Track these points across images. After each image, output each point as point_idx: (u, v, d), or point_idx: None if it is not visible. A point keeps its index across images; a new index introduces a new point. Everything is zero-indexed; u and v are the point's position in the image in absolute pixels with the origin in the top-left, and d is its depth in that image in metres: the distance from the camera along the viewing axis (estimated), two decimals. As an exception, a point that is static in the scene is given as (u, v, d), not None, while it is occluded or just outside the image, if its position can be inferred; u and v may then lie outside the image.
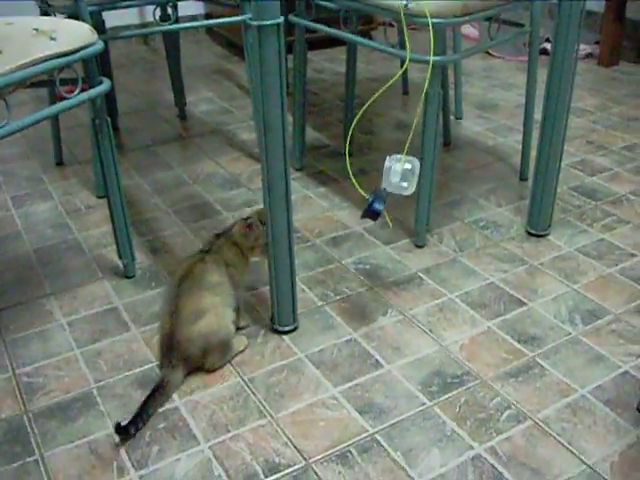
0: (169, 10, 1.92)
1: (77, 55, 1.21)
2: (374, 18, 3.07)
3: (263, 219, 1.28)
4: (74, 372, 1.27)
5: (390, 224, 1.39)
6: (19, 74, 1.11)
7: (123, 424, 1.10)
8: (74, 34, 1.23)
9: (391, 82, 1.37)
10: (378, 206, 1.22)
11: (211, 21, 2.11)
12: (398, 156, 1.23)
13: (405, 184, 1.22)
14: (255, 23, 1.05)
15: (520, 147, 1.99)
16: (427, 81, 1.38)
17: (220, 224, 1.68)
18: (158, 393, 1.17)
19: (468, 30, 3.09)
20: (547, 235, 1.64)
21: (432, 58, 1.36)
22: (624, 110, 2.34)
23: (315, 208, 1.78)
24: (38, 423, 1.17)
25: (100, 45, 1.27)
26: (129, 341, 1.34)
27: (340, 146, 2.11)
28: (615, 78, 2.64)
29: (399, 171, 1.21)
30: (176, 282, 1.25)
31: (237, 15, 2.09)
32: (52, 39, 1.19)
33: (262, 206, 1.27)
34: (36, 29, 1.21)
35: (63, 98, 1.23)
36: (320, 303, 1.43)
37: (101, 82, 1.31)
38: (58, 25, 1.24)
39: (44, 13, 1.83)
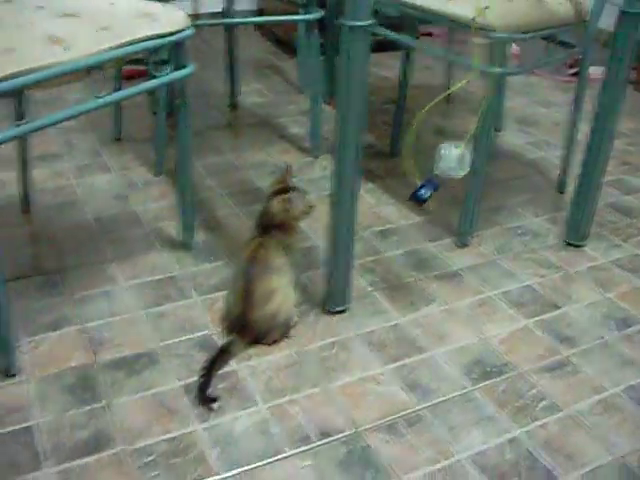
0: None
1: (174, 37, 1.30)
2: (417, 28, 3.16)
3: (288, 184, 1.37)
4: (139, 330, 1.37)
5: (431, 208, 1.47)
6: (125, 49, 1.21)
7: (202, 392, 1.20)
8: (172, 18, 1.32)
9: (454, 89, 1.46)
10: (425, 193, 1.34)
11: (286, 17, 2.23)
12: (451, 144, 1.35)
13: (458, 168, 1.33)
14: (349, 23, 1.14)
15: (557, 162, 2.08)
16: (489, 92, 1.47)
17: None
18: (222, 356, 1.27)
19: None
20: (583, 246, 1.72)
21: (496, 70, 1.45)
22: (660, 136, 2.43)
23: (363, 204, 1.87)
24: (106, 373, 1.26)
25: (192, 30, 1.36)
26: (190, 307, 1.44)
27: (385, 147, 2.20)
28: (652, 105, 2.72)
29: (454, 157, 1.32)
30: (243, 267, 1.33)
31: (289, 13, 2.22)
32: (153, 20, 1.28)
33: (281, 171, 1.40)
34: (138, 10, 1.30)
35: (131, 77, 1.30)
36: (370, 289, 1.52)
37: (186, 66, 1.40)
38: (157, 9, 1.33)
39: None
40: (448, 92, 1.43)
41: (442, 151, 1.37)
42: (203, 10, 2.69)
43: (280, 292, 1.32)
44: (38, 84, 1.13)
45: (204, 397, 1.20)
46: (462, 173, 1.37)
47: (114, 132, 2.17)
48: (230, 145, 2.18)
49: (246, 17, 1.96)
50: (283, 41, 3.18)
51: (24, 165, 1.69)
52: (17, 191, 1.74)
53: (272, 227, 1.37)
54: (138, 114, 2.33)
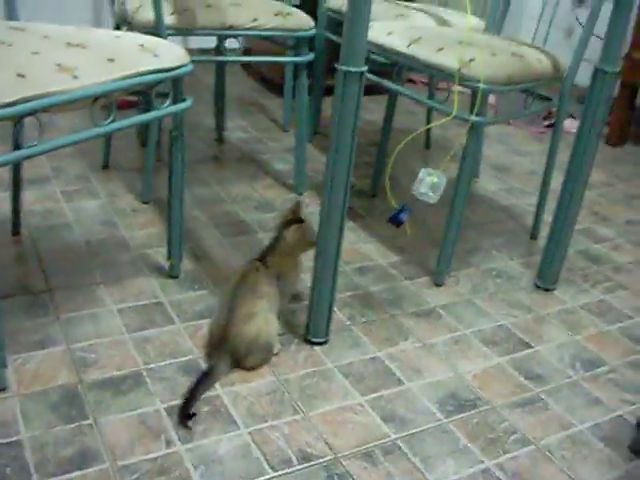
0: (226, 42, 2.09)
1: (175, 72, 1.37)
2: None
3: (300, 215, 1.47)
4: (124, 353, 1.40)
5: (408, 233, 1.62)
6: (129, 81, 1.27)
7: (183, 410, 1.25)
8: (172, 54, 1.39)
9: (429, 126, 1.54)
10: (403, 216, 1.50)
11: (280, 58, 2.38)
12: (430, 170, 1.49)
13: (431, 194, 1.48)
14: (344, 69, 1.22)
15: (531, 209, 2.18)
16: (469, 139, 1.55)
17: (257, 242, 1.83)
18: (205, 379, 1.30)
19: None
20: (553, 290, 1.80)
21: (477, 118, 1.54)
22: (627, 187, 2.55)
23: (344, 240, 1.93)
24: (92, 392, 1.29)
25: (191, 67, 1.43)
26: (174, 333, 1.47)
27: (367, 187, 2.27)
28: (621, 158, 2.85)
29: (428, 183, 1.44)
30: (232, 287, 1.39)
31: (277, 53, 2.33)
32: (155, 56, 1.35)
33: (293, 204, 1.49)
34: (142, 45, 1.37)
35: (121, 107, 1.34)
36: (348, 322, 1.57)
37: (185, 100, 1.46)
38: (160, 45, 1.40)
39: (117, 28, 2.00)
40: (425, 128, 1.61)
41: (420, 175, 1.52)
42: (192, 45, 2.77)
43: (262, 317, 1.37)
44: (46, 110, 1.19)
45: (183, 414, 1.23)
46: (434, 200, 1.54)
47: (103, 159, 2.21)
48: (216, 178, 2.23)
49: (233, 55, 2.04)
50: (268, 80, 3.27)
51: (17, 187, 1.73)
52: (6, 212, 1.77)
53: (280, 256, 1.45)
54: (126, 143, 2.38)
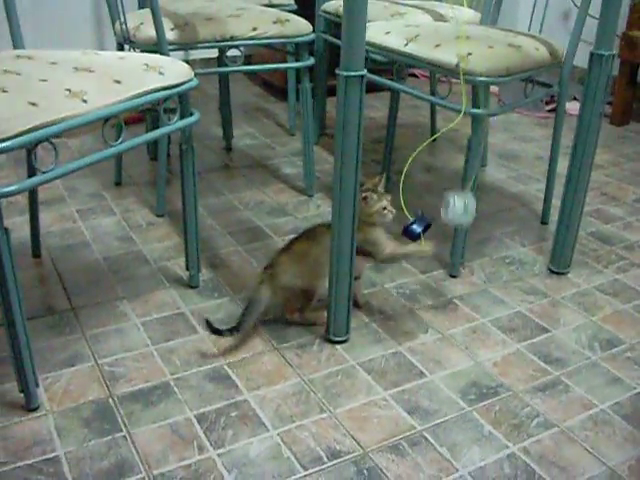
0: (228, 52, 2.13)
1: (180, 88, 1.40)
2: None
3: (376, 190, 1.52)
4: (151, 365, 1.43)
5: (423, 245, 1.53)
6: (137, 101, 1.30)
7: (218, 327, 1.44)
8: (177, 70, 1.43)
9: (443, 131, 1.56)
10: (417, 228, 1.44)
11: (282, 65, 2.48)
12: (457, 193, 1.44)
13: (464, 218, 1.43)
14: (344, 74, 1.25)
15: (540, 195, 2.20)
16: (475, 132, 1.58)
17: (272, 247, 1.86)
18: (252, 306, 1.47)
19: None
20: (567, 273, 1.82)
21: (481, 111, 1.57)
22: (634, 166, 2.56)
23: (357, 237, 1.96)
24: (123, 405, 1.32)
25: (196, 81, 1.46)
26: (198, 342, 1.51)
27: (374, 184, 2.29)
28: (626, 136, 2.87)
29: (460, 207, 1.42)
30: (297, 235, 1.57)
31: (278, 59, 2.37)
32: (161, 74, 1.38)
33: (374, 178, 1.55)
34: (146, 64, 1.40)
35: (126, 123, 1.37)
36: (367, 320, 1.60)
37: (192, 114, 1.50)
38: (163, 62, 1.43)
39: (120, 47, 2.04)
40: (439, 134, 1.55)
41: (450, 200, 1.46)
42: (194, 56, 2.81)
43: (314, 261, 1.49)
44: (58, 136, 1.22)
45: (234, 329, 1.44)
46: (469, 220, 1.48)
47: (115, 176, 2.26)
48: (228, 186, 2.27)
49: (235, 62, 2.07)
50: (271, 85, 3.30)
51: (34, 210, 1.77)
52: (25, 235, 1.82)
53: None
54: (136, 158, 2.42)
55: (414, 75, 3.48)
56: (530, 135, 2.85)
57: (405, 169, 1.50)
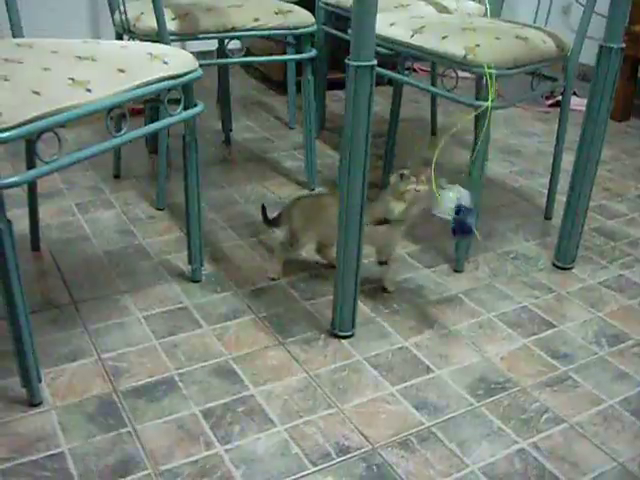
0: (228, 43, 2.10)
1: (184, 78, 1.38)
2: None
3: (416, 175, 1.54)
4: (155, 359, 1.41)
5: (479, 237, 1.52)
6: (142, 90, 1.28)
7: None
8: (181, 60, 1.40)
9: (460, 124, 1.54)
10: (471, 220, 1.39)
11: (284, 57, 2.46)
12: (447, 186, 1.42)
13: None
14: (354, 63, 1.23)
15: (542, 189, 2.19)
16: (477, 123, 1.56)
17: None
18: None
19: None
20: (572, 268, 1.81)
21: (486, 104, 1.55)
22: (637, 161, 2.55)
23: (359, 231, 1.95)
24: (127, 401, 1.30)
25: (200, 71, 1.44)
26: (202, 336, 1.49)
27: (377, 179, 2.28)
28: (627, 132, 2.86)
29: (452, 200, 1.40)
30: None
31: (275, 50, 2.35)
32: (165, 63, 1.36)
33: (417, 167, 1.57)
34: (150, 53, 1.37)
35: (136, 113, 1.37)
36: (373, 314, 1.59)
37: (196, 105, 1.47)
38: (167, 51, 1.41)
39: (119, 38, 2.01)
40: (455, 129, 1.53)
41: (441, 195, 1.44)
42: (192, 49, 2.78)
43: (325, 208, 1.61)
44: (61, 125, 1.20)
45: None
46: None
47: (113, 169, 2.23)
48: (228, 179, 2.25)
49: (233, 55, 2.05)
50: (269, 78, 3.28)
51: (33, 203, 1.74)
52: (24, 229, 1.79)
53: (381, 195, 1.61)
54: (134, 151, 2.40)
55: (413, 70, 3.46)
56: (531, 130, 2.83)
57: (436, 154, 1.48)
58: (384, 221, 1.56)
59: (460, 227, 1.41)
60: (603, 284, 1.75)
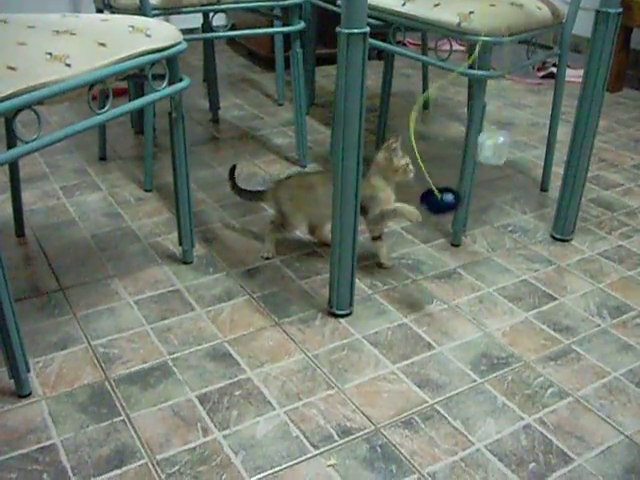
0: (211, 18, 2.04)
1: (169, 51, 1.32)
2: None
3: (400, 144, 1.51)
4: (147, 345, 1.37)
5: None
6: (124, 65, 1.22)
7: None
8: (165, 33, 1.34)
9: (433, 89, 1.49)
10: (450, 198, 1.37)
11: (271, 29, 2.42)
12: (488, 133, 1.41)
13: (498, 156, 1.39)
14: (345, 31, 1.18)
15: (537, 161, 2.15)
16: (472, 94, 1.51)
17: (266, 220, 1.79)
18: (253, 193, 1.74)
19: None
20: (571, 240, 1.77)
21: (482, 73, 1.50)
22: (631, 132, 2.51)
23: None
24: (120, 388, 1.26)
25: (185, 45, 1.38)
26: (196, 319, 1.44)
27: (370, 153, 2.23)
28: (620, 103, 2.82)
29: (491, 146, 1.37)
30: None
31: (261, 25, 2.32)
32: (147, 36, 1.30)
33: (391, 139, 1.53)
34: (132, 26, 1.32)
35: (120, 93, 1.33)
36: (370, 292, 1.55)
37: (181, 79, 1.42)
38: (150, 24, 1.35)
39: (99, 11, 1.94)
40: (429, 91, 1.49)
41: (479, 140, 1.45)
42: (175, 26, 2.71)
43: (313, 188, 1.59)
44: (41, 102, 1.14)
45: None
46: (501, 161, 1.46)
47: (99, 151, 2.17)
48: (217, 159, 2.19)
49: (220, 32, 1.99)
50: (256, 55, 3.21)
51: (16, 187, 1.69)
52: (7, 214, 1.73)
53: (372, 173, 1.56)
54: (120, 133, 2.34)
55: (402, 43, 3.40)
56: (523, 102, 2.79)
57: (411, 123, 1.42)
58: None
59: (440, 204, 1.39)
60: (602, 255, 1.72)
